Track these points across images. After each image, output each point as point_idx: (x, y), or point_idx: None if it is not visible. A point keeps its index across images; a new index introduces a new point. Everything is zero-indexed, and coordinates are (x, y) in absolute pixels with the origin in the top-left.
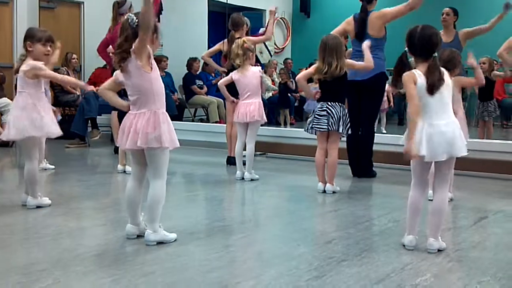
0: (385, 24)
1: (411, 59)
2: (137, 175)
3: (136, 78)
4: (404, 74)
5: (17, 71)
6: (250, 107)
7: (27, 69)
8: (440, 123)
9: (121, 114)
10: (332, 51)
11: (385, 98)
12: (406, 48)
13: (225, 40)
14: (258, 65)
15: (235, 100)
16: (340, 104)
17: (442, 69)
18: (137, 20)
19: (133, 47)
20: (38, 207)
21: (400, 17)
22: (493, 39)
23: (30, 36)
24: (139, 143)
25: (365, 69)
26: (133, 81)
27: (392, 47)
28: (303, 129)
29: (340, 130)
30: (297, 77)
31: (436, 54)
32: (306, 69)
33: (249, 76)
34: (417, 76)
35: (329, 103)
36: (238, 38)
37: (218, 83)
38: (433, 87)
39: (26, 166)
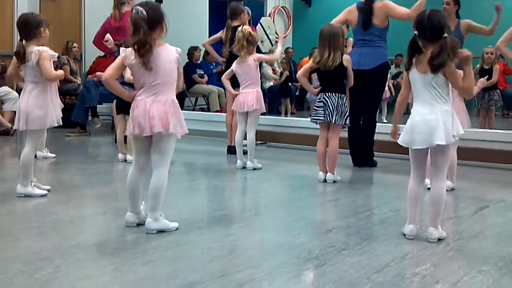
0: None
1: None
2: (140, 164)
3: (169, 68)
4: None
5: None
6: (249, 96)
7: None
8: (426, 111)
9: (119, 103)
10: (325, 40)
11: (386, 88)
12: (416, 32)
13: (225, 29)
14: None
15: (238, 92)
16: (337, 94)
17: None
18: (145, 12)
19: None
20: (27, 196)
21: (399, 20)
22: (498, 29)
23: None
24: (159, 129)
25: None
26: (158, 70)
27: (394, 37)
28: (303, 119)
29: (333, 121)
30: (297, 75)
31: (446, 35)
32: (309, 58)
33: (247, 65)
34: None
35: (326, 94)
36: (237, 26)
37: (222, 78)
38: (441, 66)
39: (24, 152)
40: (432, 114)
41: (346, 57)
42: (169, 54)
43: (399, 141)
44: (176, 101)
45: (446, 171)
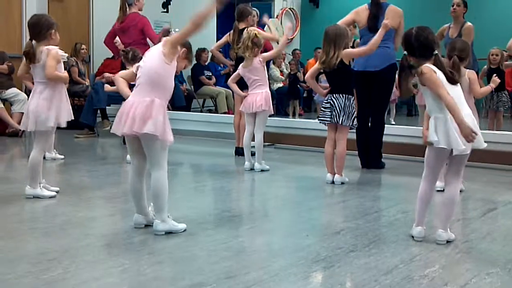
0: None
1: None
2: (135, 165)
3: (152, 63)
4: (423, 69)
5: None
6: (257, 97)
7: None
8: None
9: None
10: (330, 40)
11: (394, 89)
12: (405, 52)
13: (231, 31)
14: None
15: (246, 94)
16: (344, 95)
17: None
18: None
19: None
20: (36, 197)
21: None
22: (504, 30)
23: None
24: (135, 128)
25: (366, 54)
26: (148, 65)
27: None
28: (311, 120)
29: (340, 122)
30: (305, 77)
31: (436, 52)
32: (314, 60)
33: (254, 67)
34: (435, 68)
35: (333, 95)
36: (244, 28)
37: (228, 82)
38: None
39: (33, 154)
40: (469, 117)
41: (343, 53)
42: (153, 53)
43: (473, 146)
44: (159, 102)
45: None
